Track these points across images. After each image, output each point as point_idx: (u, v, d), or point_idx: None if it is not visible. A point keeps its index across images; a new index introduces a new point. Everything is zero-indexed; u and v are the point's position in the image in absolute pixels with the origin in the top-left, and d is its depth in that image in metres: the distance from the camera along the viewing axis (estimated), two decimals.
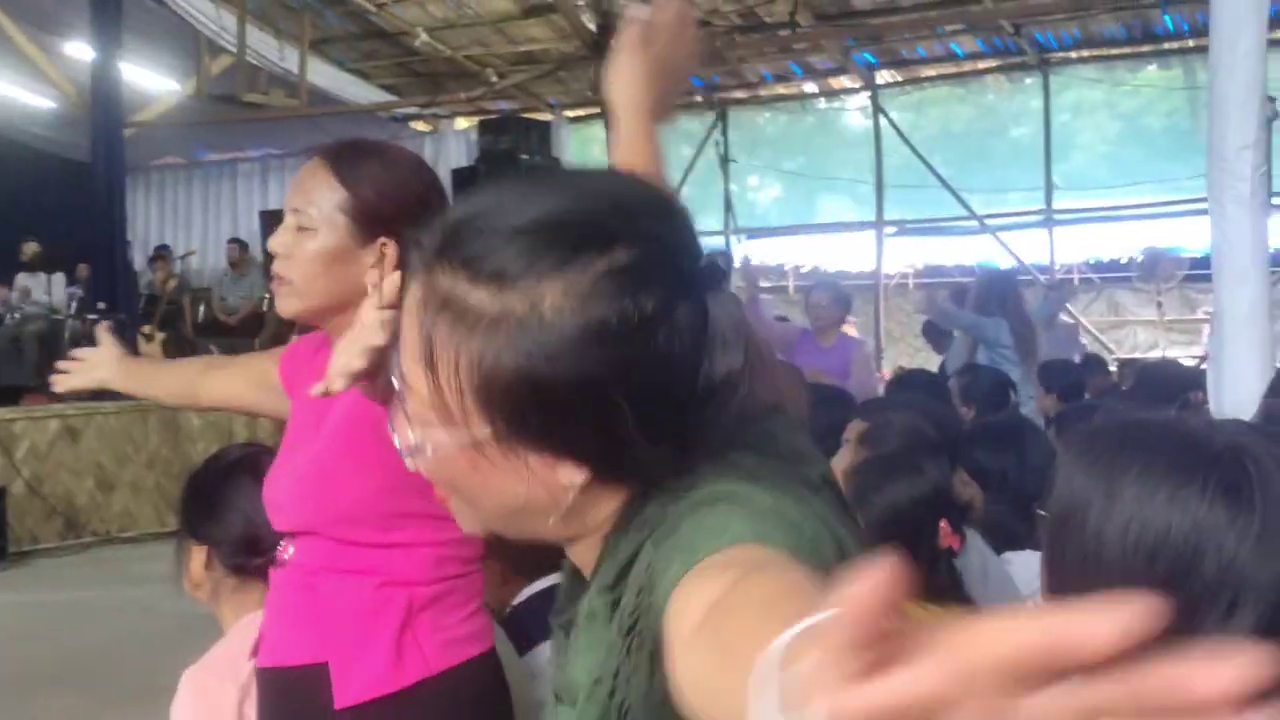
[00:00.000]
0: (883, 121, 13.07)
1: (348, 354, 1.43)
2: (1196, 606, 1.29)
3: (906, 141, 12.77)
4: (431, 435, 0.97)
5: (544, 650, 2.83)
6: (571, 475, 0.95)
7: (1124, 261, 14.06)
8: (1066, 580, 1.39)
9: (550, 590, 2.97)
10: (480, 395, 0.92)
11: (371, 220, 1.82)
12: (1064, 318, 9.68)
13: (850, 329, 6.93)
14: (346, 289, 1.84)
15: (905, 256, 14.66)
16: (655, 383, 0.92)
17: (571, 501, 0.97)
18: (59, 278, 11.71)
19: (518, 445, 0.94)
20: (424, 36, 12.64)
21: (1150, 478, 1.31)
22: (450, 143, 13.75)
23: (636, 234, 0.92)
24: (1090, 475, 1.37)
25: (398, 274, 1.43)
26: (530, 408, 0.91)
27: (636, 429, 0.92)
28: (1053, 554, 1.43)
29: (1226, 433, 1.36)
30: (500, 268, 0.91)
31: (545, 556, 3.05)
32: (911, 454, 2.41)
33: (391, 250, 1.85)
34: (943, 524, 2.35)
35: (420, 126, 14.41)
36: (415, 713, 1.79)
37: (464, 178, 10.67)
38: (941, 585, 2.38)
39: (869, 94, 13.35)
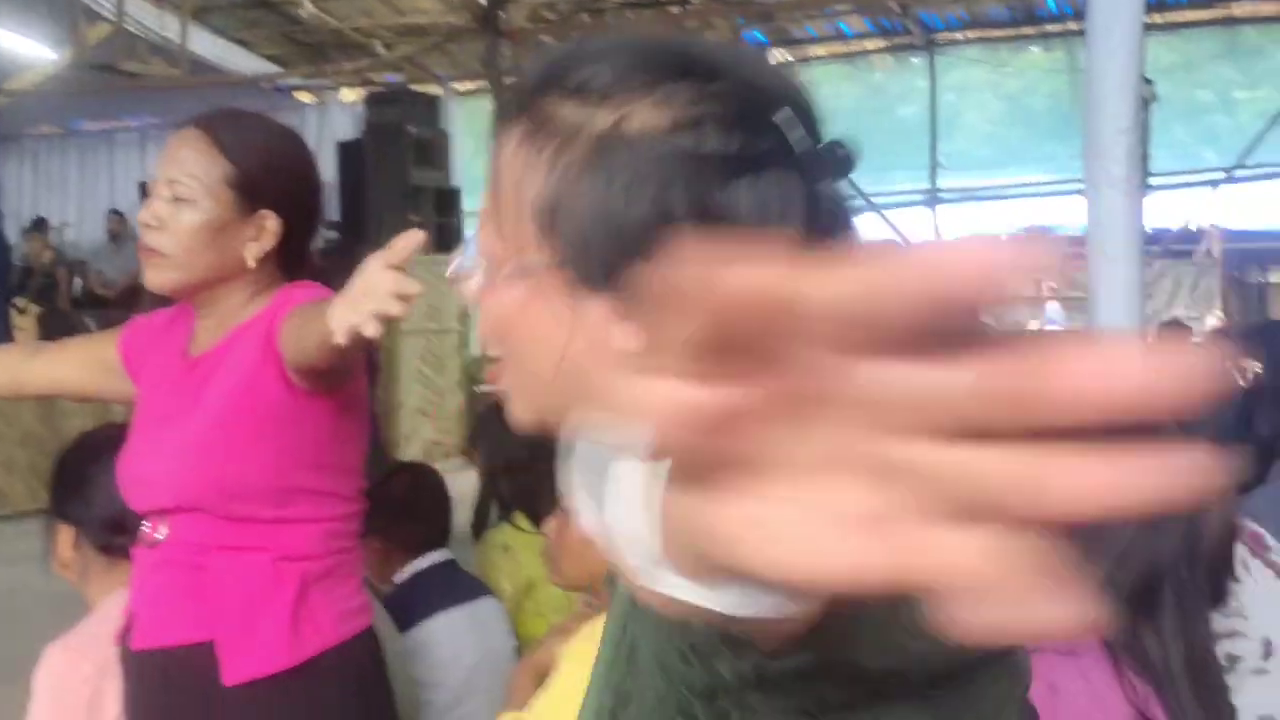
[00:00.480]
0: None
1: (356, 313, 1.37)
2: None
3: None
4: (489, 266, 0.87)
5: (424, 629, 2.82)
6: (624, 334, 0.83)
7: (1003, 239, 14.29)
8: None
9: (434, 568, 2.96)
10: (542, 215, 0.83)
11: (255, 193, 1.80)
12: None
13: None
14: (226, 261, 1.81)
15: None
16: None
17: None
18: None
19: (572, 283, 0.83)
20: (309, 6, 12.42)
21: None
22: (335, 115, 13.55)
23: (743, 76, 0.82)
24: None
25: (415, 232, 1.39)
26: (589, 236, 0.81)
27: None
28: None
29: None
30: (588, 80, 0.83)
31: (428, 533, 3.04)
32: None
33: (273, 223, 1.82)
34: None
35: (304, 98, 14.17)
36: (309, 686, 1.78)
37: (349, 151, 10.51)
38: None
39: None
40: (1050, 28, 12.56)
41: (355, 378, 1.83)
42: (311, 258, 1.94)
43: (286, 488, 1.79)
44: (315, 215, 1.92)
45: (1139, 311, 3.78)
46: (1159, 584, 1.36)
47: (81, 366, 2.05)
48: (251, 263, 1.81)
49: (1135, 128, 3.77)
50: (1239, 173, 11.79)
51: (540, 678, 2.26)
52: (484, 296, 0.88)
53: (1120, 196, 3.74)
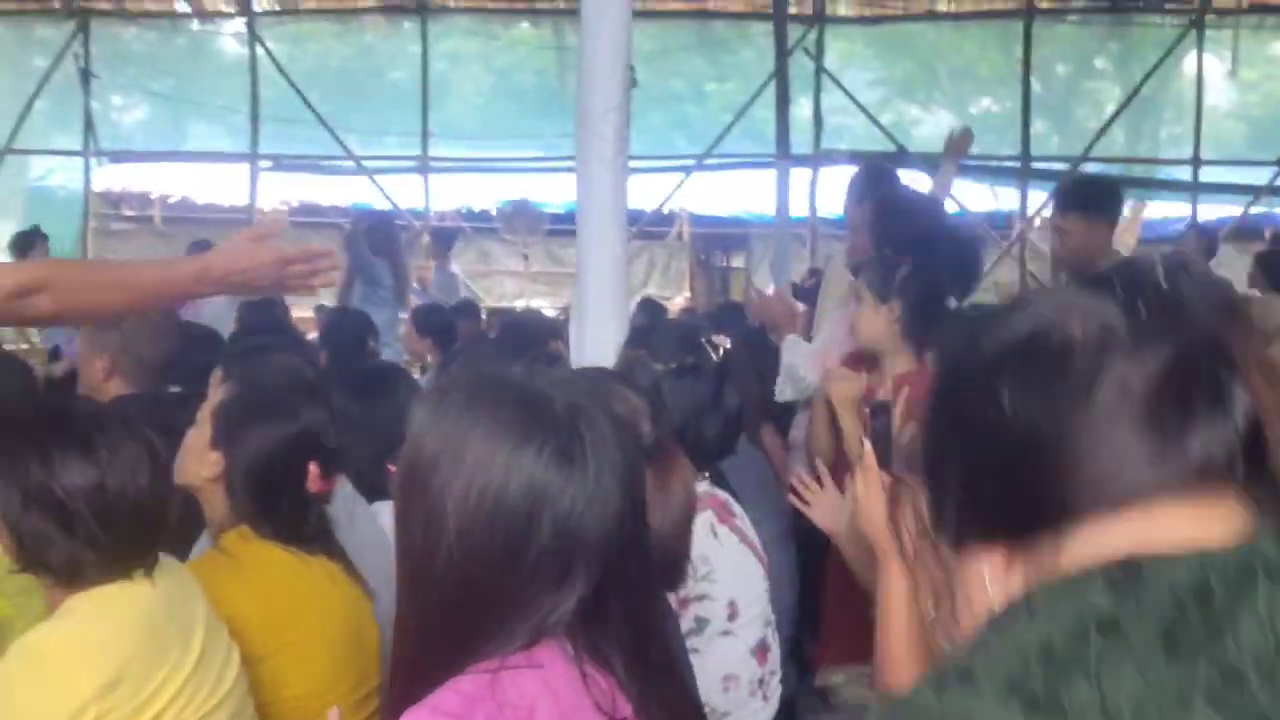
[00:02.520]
0: (260, 51, 12.66)
1: None
2: (535, 570, 1.30)
3: (284, 74, 12.45)
4: None
5: None
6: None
7: (493, 212, 14.57)
8: (412, 540, 1.35)
9: None
10: None
11: None
12: (454, 267, 10.27)
13: None
14: None
15: (280, 193, 14.30)
16: None
17: None
18: None
19: None
20: None
21: (492, 439, 1.31)
22: None
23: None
24: (439, 433, 1.34)
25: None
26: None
27: None
28: (402, 509, 1.39)
29: (569, 393, 1.38)
30: None
31: None
32: (287, 394, 2.34)
33: None
34: (312, 467, 2.28)
35: None
36: None
37: None
38: (309, 532, 2.32)
39: (245, 20, 12.90)
40: (540, 5, 12.85)
41: None
42: None
43: None
44: None
45: (624, 289, 3.91)
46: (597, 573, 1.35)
47: None
48: None
49: (623, 107, 3.89)
50: (708, 161, 12.56)
51: None
52: None
53: (609, 173, 3.84)
